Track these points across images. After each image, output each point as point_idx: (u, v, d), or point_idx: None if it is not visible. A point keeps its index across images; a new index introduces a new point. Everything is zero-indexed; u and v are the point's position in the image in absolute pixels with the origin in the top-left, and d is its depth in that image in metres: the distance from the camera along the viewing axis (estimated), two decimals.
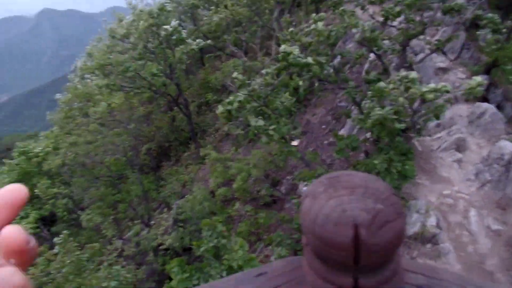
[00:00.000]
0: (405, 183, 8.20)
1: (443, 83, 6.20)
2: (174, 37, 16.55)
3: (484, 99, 11.65)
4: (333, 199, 0.65)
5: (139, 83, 17.24)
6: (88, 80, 18.39)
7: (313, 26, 6.92)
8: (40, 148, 21.49)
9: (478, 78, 7.04)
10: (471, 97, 11.48)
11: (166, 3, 17.47)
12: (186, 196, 12.33)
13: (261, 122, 6.89)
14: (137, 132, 17.81)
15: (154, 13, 16.09)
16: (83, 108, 18.84)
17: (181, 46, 17.17)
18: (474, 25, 12.04)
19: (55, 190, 18.28)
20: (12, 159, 22.10)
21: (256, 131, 7.12)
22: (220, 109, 6.48)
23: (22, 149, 21.71)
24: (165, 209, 15.35)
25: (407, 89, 6.23)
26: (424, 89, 6.09)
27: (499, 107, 11.51)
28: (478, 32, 11.98)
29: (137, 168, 17.77)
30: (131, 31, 16.84)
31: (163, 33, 15.75)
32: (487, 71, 12.13)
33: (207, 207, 11.10)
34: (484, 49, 12.29)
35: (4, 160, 23.28)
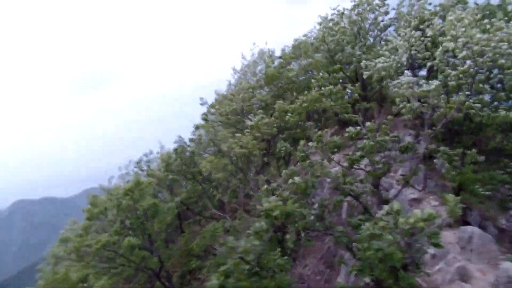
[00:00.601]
0: None
1: (428, 210, 6.34)
2: (151, 210, 16.79)
3: (464, 222, 11.87)
4: None
5: (118, 261, 16.32)
6: (62, 268, 17.19)
7: (290, 181, 7.31)
8: None
9: (452, 196, 7.30)
10: (453, 221, 11.68)
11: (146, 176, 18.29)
12: None
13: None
14: None
15: (130, 190, 16.61)
16: None
17: (159, 217, 17.25)
18: (429, 156, 13.28)
19: None
20: None
21: None
22: (213, 283, 6.05)
23: None
24: None
25: (396, 223, 6.27)
26: (412, 220, 6.15)
27: (481, 227, 11.67)
28: (435, 161, 13.15)
29: None
30: (108, 208, 16.93)
31: (140, 207, 16.00)
32: (456, 195, 12.76)
33: None
34: (446, 175, 13.22)
35: None
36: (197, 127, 21.33)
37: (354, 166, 10.24)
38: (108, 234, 16.66)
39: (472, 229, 10.40)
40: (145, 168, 23.47)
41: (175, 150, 22.02)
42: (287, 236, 7.65)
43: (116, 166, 25.71)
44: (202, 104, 21.98)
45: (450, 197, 6.97)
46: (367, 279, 9.21)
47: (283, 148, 11.06)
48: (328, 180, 10.24)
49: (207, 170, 17.85)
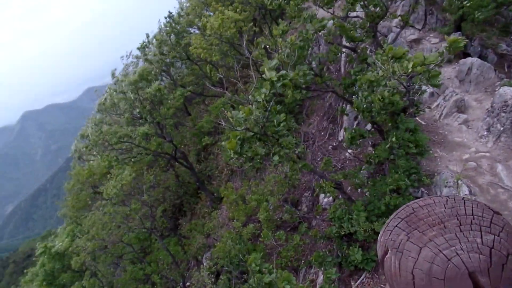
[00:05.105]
0: (422, 158, 8.01)
1: (429, 54, 6.15)
2: (157, 97, 16.86)
3: (464, 54, 11.67)
4: (426, 247, 0.47)
5: (136, 150, 17.27)
6: (89, 162, 18.43)
7: (288, 40, 6.98)
8: (59, 243, 21.05)
9: (452, 37, 7.00)
10: (453, 57, 11.49)
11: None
12: (216, 245, 12.05)
13: (260, 150, 6.79)
14: (149, 200, 17.63)
15: (135, 82, 16.35)
16: (91, 192, 18.85)
17: (165, 102, 17.46)
18: None
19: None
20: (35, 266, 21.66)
21: (262, 157, 7.02)
22: (227, 143, 6.38)
23: (42, 249, 21.06)
24: (195, 267, 15.00)
25: (393, 69, 6.18)
26: (410, 65, 6.04)
27: (481, 56, 11.49)
28: None
29: (158, 235, 17.47)
30: (117, 102, 17.09)
31: (147, 95, 16.04)
32: (458, 28, 12.25)
33: (240, 249, 10.82)
34: (446, 8, 12.45)
35: (26, 271, 22.88)
36: None
37: (350, 15, 9.60)
38: (120, 126, 17.20)
39: (471, 61, 10.26)
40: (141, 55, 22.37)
41: (165, 27, 20.70)
42: (287, 97, 7.68)
43: (110, 63, 24.75)
44: None
45: (451, 37, 6.61)
46: (368, 126, 9.68)
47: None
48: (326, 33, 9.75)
49: (196, 52, 17.09)
